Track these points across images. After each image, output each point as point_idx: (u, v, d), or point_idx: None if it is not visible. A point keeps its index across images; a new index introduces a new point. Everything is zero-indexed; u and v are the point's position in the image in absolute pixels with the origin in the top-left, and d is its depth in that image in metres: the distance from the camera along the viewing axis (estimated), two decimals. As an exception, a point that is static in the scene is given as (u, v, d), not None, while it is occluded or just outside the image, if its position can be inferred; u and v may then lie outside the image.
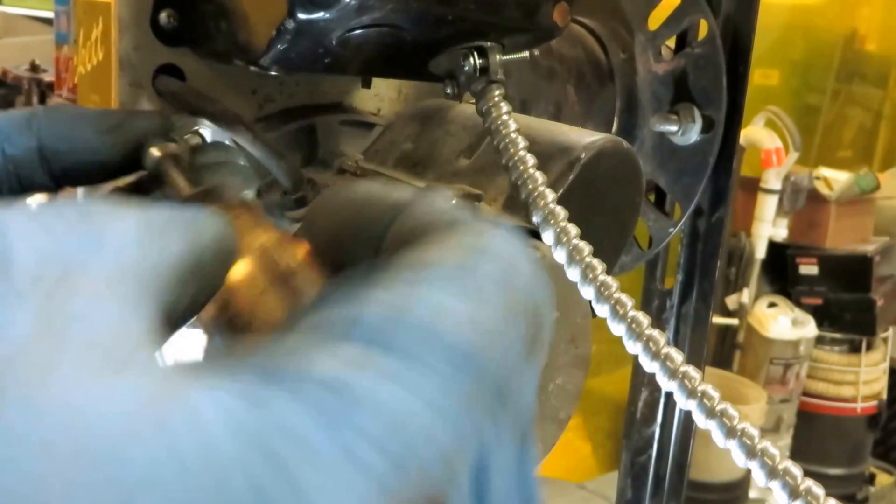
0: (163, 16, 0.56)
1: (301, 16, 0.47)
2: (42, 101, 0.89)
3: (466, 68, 0.52)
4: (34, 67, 0.86)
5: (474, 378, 0.20)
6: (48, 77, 0.81)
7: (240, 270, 0.28)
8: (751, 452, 0.38)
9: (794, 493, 0.37)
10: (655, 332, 0.41)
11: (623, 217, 0.56)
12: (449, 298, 0.21)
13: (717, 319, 2.72)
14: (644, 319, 0.42)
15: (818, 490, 0.37)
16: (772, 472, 0.38)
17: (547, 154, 0.50)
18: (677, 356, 0.41)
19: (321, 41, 0.50)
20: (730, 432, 0.39)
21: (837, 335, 2.85)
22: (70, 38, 0.65)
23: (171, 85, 0.57)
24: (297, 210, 0.57)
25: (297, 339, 0.20)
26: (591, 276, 0.43)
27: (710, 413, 0.39)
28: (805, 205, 2.80)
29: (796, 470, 0.38)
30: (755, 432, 0.39)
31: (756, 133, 2.70)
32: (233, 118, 0.55)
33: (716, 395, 0.40)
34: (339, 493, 0.17)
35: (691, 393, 0.40)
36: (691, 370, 0.40)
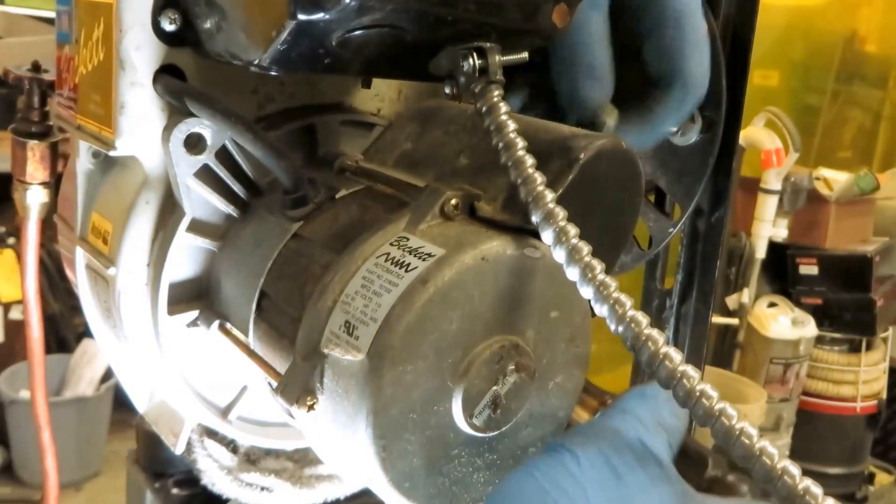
0: (164, 16, 0.56)
1: (301, 16, 0.47)
2: (43, 101, 0.88)
3: (466, 69, 0.53)
4: (36, 67, 0.86)
5: None
6: (50, 77, 0.81)
7: None
8: (749, 452, 0.39)
9: (793, 492, 0.38)
10: (654, 332, 0.41)
11: (623, 217, 0.56)
12: None
13: (717, 319, 2.72)
14: (643, 319, 0.42)
15: (816, 489, 0.37)
16: (771, 472, 0.38)
17: (546, 154, 0.50)
18: (676, 355, 0.41)
19: (321, 41, 0.50)
20: (728, 431, 0.39)
21: (837, 335, 2.85)
22: (71, 37, 0.65)
23: (172, 85, 0.57)
24: (298, 209, 0.57)
25: None
26: (590, 275, 0.43)
27: (709, 412, 0.39)
28: (805, 205, 2.80)
29: (795, 469, 0.38)
30: (753, 431, 0.39)
31: (756, 133, 2.70)
32: (234, 118, 0.55)
33: (714, 394, 0.40)
34: None
35: (690, 392, 0.40)
36: (690, 369, 0.40)
